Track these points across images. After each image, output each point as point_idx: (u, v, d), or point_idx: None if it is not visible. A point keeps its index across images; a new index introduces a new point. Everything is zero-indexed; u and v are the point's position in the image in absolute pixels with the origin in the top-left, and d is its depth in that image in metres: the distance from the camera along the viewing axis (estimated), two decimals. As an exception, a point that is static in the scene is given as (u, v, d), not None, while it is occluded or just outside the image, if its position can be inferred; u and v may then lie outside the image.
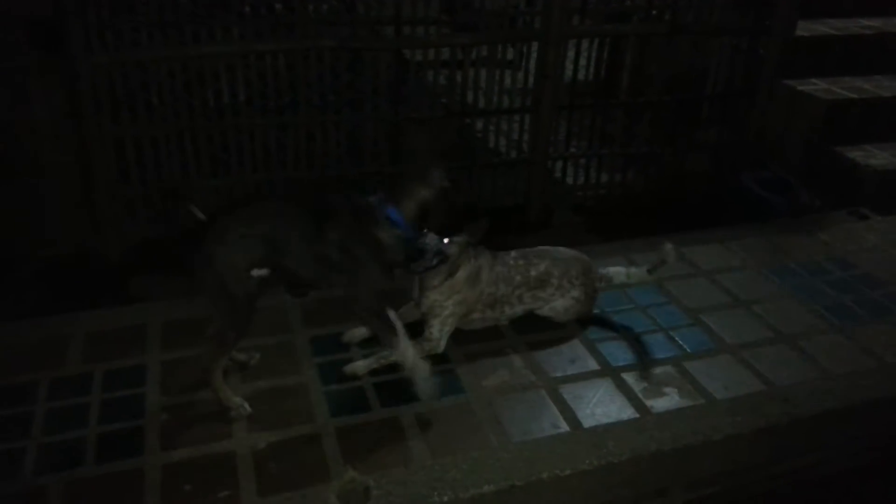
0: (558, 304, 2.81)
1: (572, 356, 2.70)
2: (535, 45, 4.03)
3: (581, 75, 4.21)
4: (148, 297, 3.04)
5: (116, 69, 3.39)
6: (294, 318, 2.85)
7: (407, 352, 2.35)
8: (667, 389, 2.54)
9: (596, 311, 2.94)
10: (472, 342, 2.73)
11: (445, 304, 2.62)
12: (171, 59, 3.49)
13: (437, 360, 2.62)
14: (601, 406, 2.45)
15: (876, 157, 4.23)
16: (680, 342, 2.79)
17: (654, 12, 4.22)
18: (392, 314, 2.39)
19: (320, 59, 3.71)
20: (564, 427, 2.37)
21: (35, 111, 3.30)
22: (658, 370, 2.63)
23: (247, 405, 2.37)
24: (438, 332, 2.63)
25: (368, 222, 2.35)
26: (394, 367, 2.57)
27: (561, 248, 2.88)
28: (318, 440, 2.27)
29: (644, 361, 2.68)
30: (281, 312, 2.88)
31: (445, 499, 2.11)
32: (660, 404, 2.47)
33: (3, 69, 3.17)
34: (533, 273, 2.75)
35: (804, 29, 4.70)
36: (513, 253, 2.79)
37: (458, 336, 2.74)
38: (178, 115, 3.57)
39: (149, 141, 3.56)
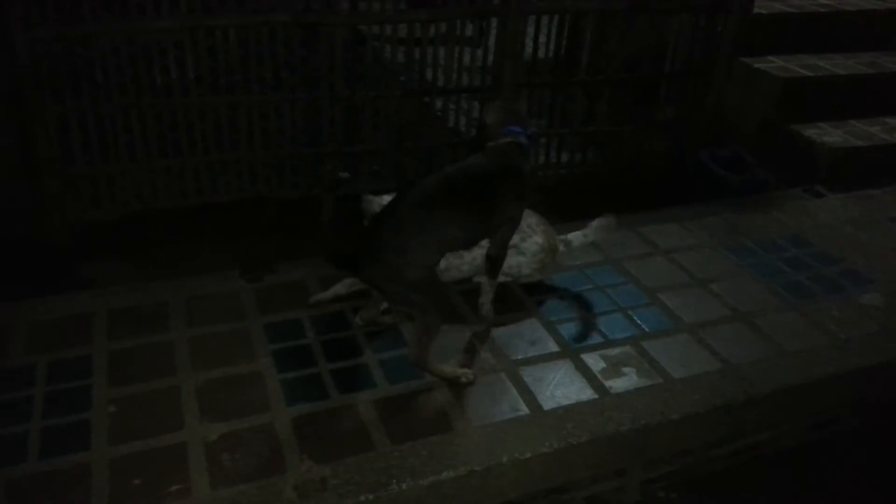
0: (526, 247, 2.80)
1: (532, 338, 2.68)
2: (494, 22, 3.96)
3: (541, 53, 4.16)
4: (96, 284, 2.93)
5: (58, 44, 3.23)
6: (248, 304, 2.77)
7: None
8: (625, 370, 2.54)
9: (553, 292, 2.92)
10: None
11: None
12: (114, 33, 3.34)
13: (392, 345, 2.58)
14: (561, 388, 2.45)
15: (831, 134, 4.28)
16: (638, 322, 2.80)
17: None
18: None
19: (273, 34, 3.59)
20: (524, 410, 2.35)
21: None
22: (616, 350, 2.64)
23: (469, 372, 2.44)
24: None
25: (514, 168, 2.50)
26: (354, 352, 2.53)
27: None
28: (273, 430, 2.21)
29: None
30: (234, 298, 2.80)
31: (404, 486, 2.08)
32: (618, 384, 2.47)
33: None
34: None
35: (762, 6, 4.72)
36: None
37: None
38: (124, 93, 3.43)
39: (94, 119, 3.42)
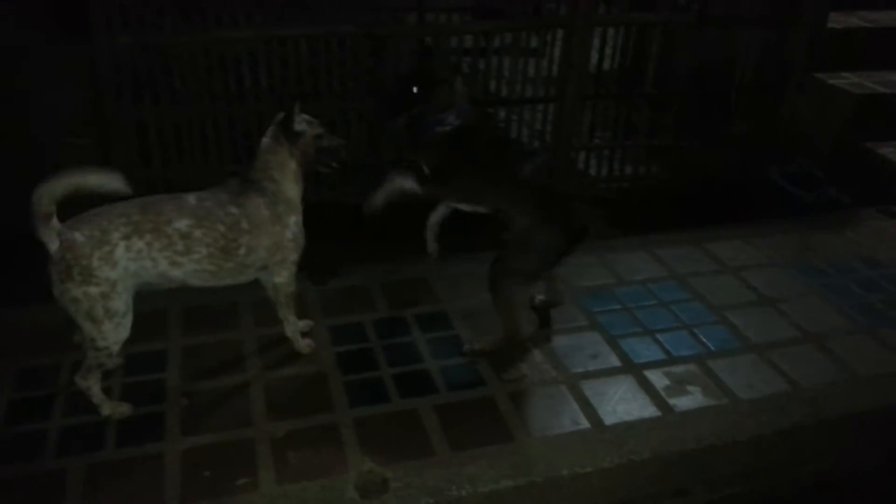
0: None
1: (593, 351, 2.67)
2: (560, 34, 3.97)
3: (606, 65, 4.15)
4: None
5: (139, 52, 3.38)
6: (313, 306, 2.84)
7: None
8: (690, 388, 2.50)
9: (615, 306, 2.90)
10: (489, 333, 2.70)
11: None
12: (193, 43, 3.48)
13: (452, 352, 2.61)
14: (623, 403, 2.42)
15: (907, 153, 4.14)
16: (704, 340, 2.75)
17: (681, 2, 4.15)
18: None
19: (342, 45, 3.68)
20: (585, 424, 2.34)
21: (55, 92, 3.29)
22: (681, 368, 2.59)
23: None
24: None
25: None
26: (416, 358, 2.56)
27: None
28: (336, 430, 2.26)
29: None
30: (299, 300, 2.85)
31: (463, 493, 2.09)
32: (683, 403, 2.44)
33: (26, 48, 3.17)
34: None
35: (836, 21, 4.59)
36: None
37: (474, 327, 2.72)
38: (200, 100, 3.56)
39: (170, 125, 3.56)
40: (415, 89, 2.68)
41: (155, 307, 2.73)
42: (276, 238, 2.34)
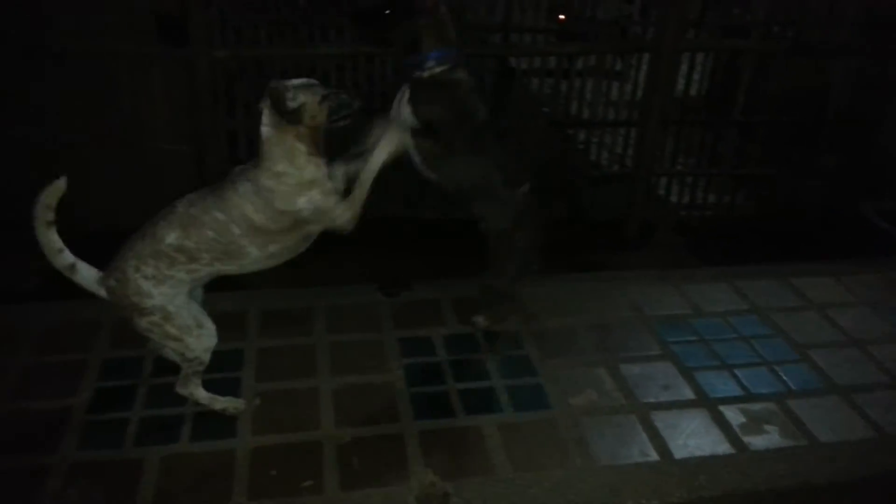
0: None
1: (666, 382, 2.59)
2: (645, 57, 3.92)
3: (693, 90, 4.07)
4: (252, 285, 3.12)
5: (234, 64, 3.54)
6: (384, 318, 2.87)
7: None
8: (767, 427, 2.40)
9: (691, 337, 2.83)
10: (558, 356, 2.68)
11: None
12: (285, 57, 3.61)
13: (521, 373, 2.59)
14: (695, 438, 2.35)
15: None
16: (784, 378, 2.64)
17: (775, 29, 4.03)
18: None
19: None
20: (654, 456, 2.27)
21: (157, 100, 3.48)
22: (758, 406, 2.49)
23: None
24: None
25: None
26: (483, 376, 2.56)
27: None
28: (401, 440, 2.28)
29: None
30: (371, 310, 2.91)
31: (525, 515, 2.07)
32: (759, 442, 2.34)
33: (131, 57, 3.37)
34: None
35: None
36: None
37: (544, 348, 2.70)
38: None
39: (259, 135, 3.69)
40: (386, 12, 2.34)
41: (234, 310, 2.83)
42: (287, 223, 2.17)
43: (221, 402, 2.32)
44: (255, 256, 2.22)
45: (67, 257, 2.10)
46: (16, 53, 3.24)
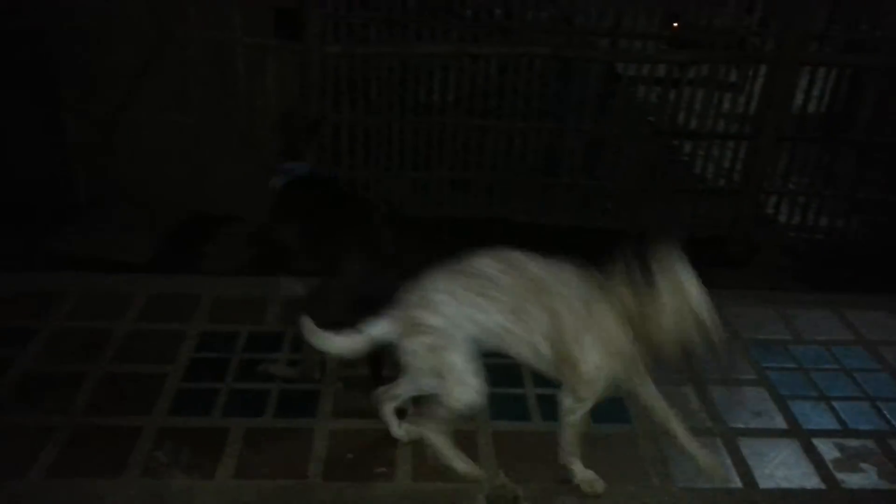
0: None
1: (757, 409, 2.47)
2: (762, 69, 3.75)
3: (812, 106, 3.86)
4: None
5: (344, 60, 3.65)
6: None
7: None
8: (864, 465, 2.25)
9: (789, 364, 2.67)
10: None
11: None
12: (393, 55, 3.70)
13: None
14: (783, 468, 2.23)
15: None
16: (888, 415, 2.46)
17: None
18: None
19: (531, 66, 3.73)
20: (737, 482, 2.17)
21: (270, 89, 3.64)
22: (856, 442, 2.34)
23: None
24: None
25: None
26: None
27: None
28: (475, 438, 2.28)
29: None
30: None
31: (595, 526, 2.03)
32: (853, 480, 2.19)
33: (250, 47, 3.54)
34: None
35: None
36: None
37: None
38: (390, 109, 3.77)
39: (361, 130, 3.80)
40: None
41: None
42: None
43: (462, 465, 2.10)
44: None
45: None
46: (149, 43, 3.49)
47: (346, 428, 2.30)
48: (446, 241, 3.67)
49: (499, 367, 2.56)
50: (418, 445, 2.24)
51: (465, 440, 2.26)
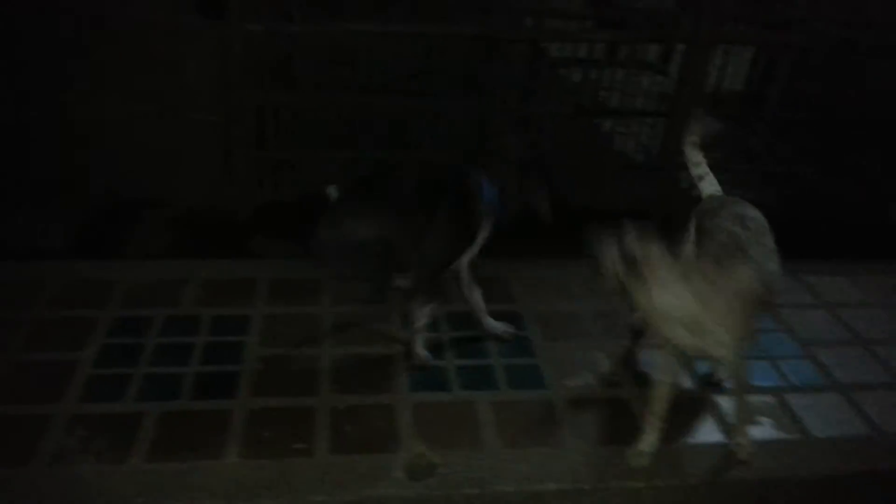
0: None
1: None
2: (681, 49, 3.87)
3: (727, 84, 4.00)
4: (264, 255, 3.21)
5: (267, 40, 3.60)
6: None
7: None
8: (762, 419, 2.38)
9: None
10: (559, 339, 2.69)
11: None
12: (319, 34, 3.66)
13: (516, 353, 2.61)
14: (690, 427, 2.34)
15: None
16: (785, 373, 2.61)
17: (818, 26, 3.93)
18: None
19: (457, 45, 3.75)
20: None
21: (190, 71, 3.58)
22: (756, 398, 2.47)
23: None
24: None
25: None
26: (482, 354, 2.59)
27: None
28: (393, 411, 2.33)
29: None
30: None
31: (509, 489, 2.10)
32: (751, 433, 2.32)
33: (167, 29, 3.46)
34: None
35: None
36: None
37: (548, 332, 2.72)
38: (316, 88, 3.74)
39: (287, 111, 3.77)
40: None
41: (244, 276, 2.91)
42: None
43: None
44: None
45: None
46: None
47: (265, 407, 2.31)
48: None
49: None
50: (337, 420, 2.27)
51: (383, 412, 2.31)
